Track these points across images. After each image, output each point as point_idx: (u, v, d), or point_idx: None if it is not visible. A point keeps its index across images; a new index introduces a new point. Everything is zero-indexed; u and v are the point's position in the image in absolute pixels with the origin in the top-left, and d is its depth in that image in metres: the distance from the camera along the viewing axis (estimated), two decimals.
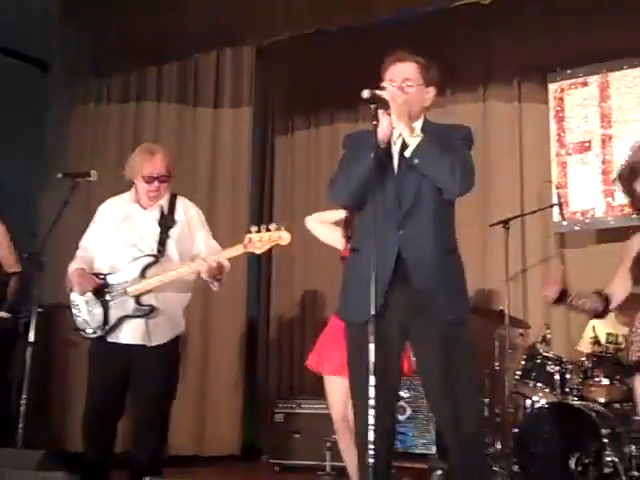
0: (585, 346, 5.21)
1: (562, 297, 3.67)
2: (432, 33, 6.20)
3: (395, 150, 3.11)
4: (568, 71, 6.22)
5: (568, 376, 4.84)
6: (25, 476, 3.33)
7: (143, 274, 3.87)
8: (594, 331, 4.94)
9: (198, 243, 4.06)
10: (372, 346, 2.65)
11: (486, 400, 5.26)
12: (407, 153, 3.01)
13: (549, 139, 6.23)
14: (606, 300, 3.63)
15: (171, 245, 3.97)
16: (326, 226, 4.34)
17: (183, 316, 4.05)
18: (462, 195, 3.08)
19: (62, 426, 5.97)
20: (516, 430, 4.78)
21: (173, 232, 3.99)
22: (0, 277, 5.19)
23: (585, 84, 6.15)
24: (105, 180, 4.50)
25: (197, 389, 6.30)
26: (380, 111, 2.94)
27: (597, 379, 4.72)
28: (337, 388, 3.99)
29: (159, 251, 3.92)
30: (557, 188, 5.86)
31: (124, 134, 6.72)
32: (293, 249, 6.89)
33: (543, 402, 4.87)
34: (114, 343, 3.88)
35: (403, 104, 2.98)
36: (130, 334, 3.86)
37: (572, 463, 4.33)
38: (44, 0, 6.84)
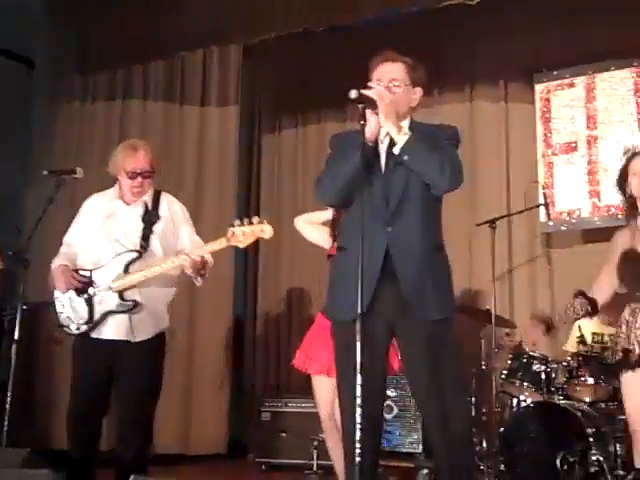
0: (571, 346, 5.22)
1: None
2: (419, 33, 6.21)
3: (382, 149, 3.12)
4: (555, 72, 6.25)
5: (554, 375, 4.86)
6: (10, 474, 3.31)
7: (126, 269, 3.86)
8: (580, 331, 4.95)
9: (182, 238, 4.06)
10: (359, 344, 2.65)
11: (473, 399, 5.28)
12: (396, 150, 3.01)
13: (535, 139, 6.25)
14: (594, 301, 3.66)
15: (155, 241, 3.96)
16: (315, 227, 4.33)
17: (167, 312, 4.04)
18: (451, 191, 3.08)
19: (47, 424, 5.95)
20: (502, 429, 4.79)
21: (157, 228, 3.99)
22: None
23: (572, 85, 6.18)
24: (91, 177, 4.49)
25: (183, 387, 6.29)
26: (368, 111, 2.94)
27: (583, 379, 4.73)
28: (324, 387, 3.99)
29: (142, 247, 3.91)
30: (543, 188, 5.89)
31: (110, 132, 6.69)
32: (280, 246, 6.91)
33: (529, 401, 4.89)
34: (98, 339, 3.87)
35: (390, 104, 2.98)
36: (114, 330, 3.85)
37: (558, 462, 4.35)
38: None
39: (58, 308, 3.97)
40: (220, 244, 3.77)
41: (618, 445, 4.43)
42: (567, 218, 6.06)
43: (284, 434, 5.71)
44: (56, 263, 3.97)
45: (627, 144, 4.32)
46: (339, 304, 3.08)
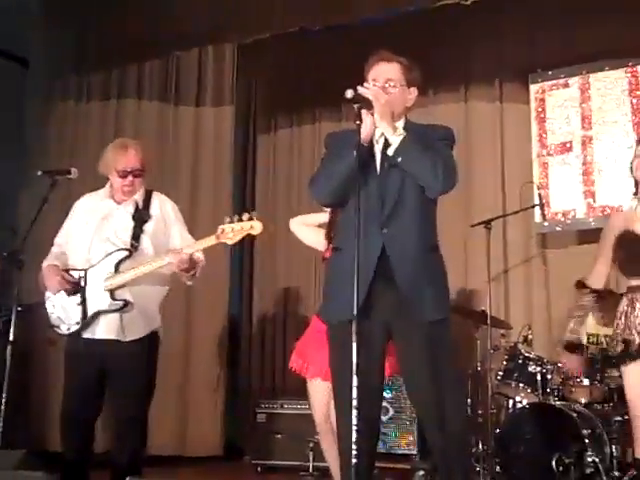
0: None
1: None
2: (414, 33, 6.21)
3: (377, 149, 3.12)
4: (549, 72, 6.25)
5: (549, 376, 4.86)
6: (5, 476, 3.31)
7: (117, 268, 3.86)
8: None
9: (173, 237, 4.06)
10: (355, 346, 2.64)
11: (468, 400, 5.27)
12: (390, 151, 3.02)
13: (530, 140, 6.25)
14: (596, 291, 3.68)
15: (145, 240, 3.96)
16: (310, 229, 4.32)
17: (159, 311, 4.03)
18: (445, 193, 3.08)
19: (42, 425, 5.93)
20: (498, 430, 4.79)
21: (148, 227, 3.99)
22: None
23: (566, 85, 6.18)
24: (86, 178, 4.47)
25: (179, 389, 6.27)
26: (363, 110, 2.94)
27: (578, 380, 4.74)
28: (319, 390, 3.98)
29: (133, 245, 3.91)
30: (538, 189, 5.88)
31: (105, 132, 6.66)
32: (275, 246, 6.91)
33: (525, 402, 4.89)
34: (89, 339, 3.86)
35: (386, 104, 2.98)
36: (104, 329, 3.84)
37: (553, 463, 4.35)
38: None
39: (49, 308, 3.98)
40: (209, 241, 3.77)
41: (614, 446, 4.45)
42: (562, 219, 6.06)
43: (280, 436, 5.70)
44: (46, 263, 3.98)
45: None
46: (334, 305, 3.07)
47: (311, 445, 5.31)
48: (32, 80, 7.02)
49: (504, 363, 5.04)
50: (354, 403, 2.62)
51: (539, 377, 4.85)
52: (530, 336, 5.12)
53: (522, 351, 5.02)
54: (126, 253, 3.88)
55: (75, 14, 6.91)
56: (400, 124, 3.12)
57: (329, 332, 3.16)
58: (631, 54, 5.90)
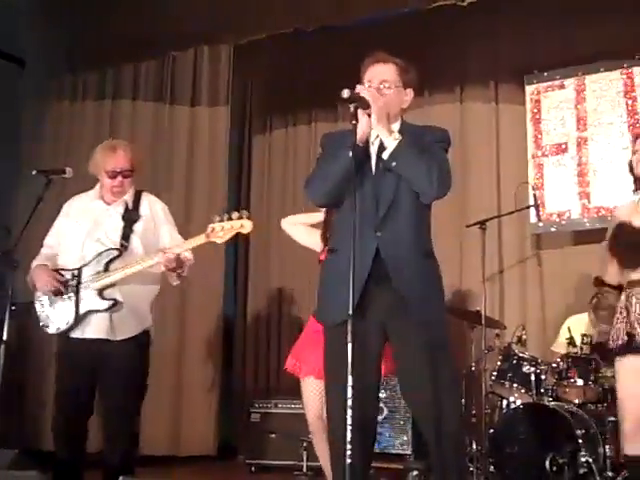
0: (560, 347, 5.23)
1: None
2: (410, 34, 6.21)
3: (373, 150, 3.11)
4: (545, 73, 6.26)
5: (543, 377, 4.87)
6: None
7: (107, 268, 3.85)
8: (569, 332, 4.96)
9: (163, 237, 4.06)
10: (350, 346, 2.64)
11: (462, 401, 5.27)
12: (385, 155, 3.02)
13: (526, 140, 6.26)
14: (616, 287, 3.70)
15: (135, 239, 3.96)
16: (303, 228, 4.32)
17: (150, 310, 4.03)
18: (438, 198, 3.08)
19: (36, 425, 5.92)
20: (492, 431, 4.79)
21: (137, 227, 3.99)
22: None
23: (562, 87, 6.19)
24: (80, 177, 4.46)
25: (173, 388, 6.27)
26: (360, 111, 2.94)
27: (572, 380, 4.74)
28: (313, 389, 3.98)
29: (123, 245, 3.91)
30: (533, 189, 5.90)
31: (100, 132, 6.64)
32: (270, 246, 6.91)
33: (519, 403, 4.89)
34: (79, 339, 3.86)
35: (383, 106, 2.98)
36: (94, 328, 3.84)
37: (547, 463, 4.36)
38: None
39: (38, 308, 3.98)
40: (199, 240, 3.77)
41: (607, 447, 4.45)
42: (557, 219, 6.06)
43: (274, 435, 5.70)
44: (35, 263, 3.99)
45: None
46: (330, 306, 3.07)
47: (305, 445, 5.30)
48: (27, 80, 7.01)
49: (498, 363, 5.04)
50: (349, 403, 2.62)
51: (533, 377, 4.85)
52: (524, 336, 5.13)
53: (516, 351, 5.03)
54: (116, 253, 3.88)
55: (71, 14, 6.89)
56: (396, 126, 3.12)
57: (325, 334, 3.16)
58: (626, 56, 5.92)
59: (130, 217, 3.98)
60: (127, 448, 3.87)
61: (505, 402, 5.08)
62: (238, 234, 3.72)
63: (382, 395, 5.54)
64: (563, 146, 6.12)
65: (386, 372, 3.79)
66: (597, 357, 4.68)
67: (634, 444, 3.49)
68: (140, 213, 4.02)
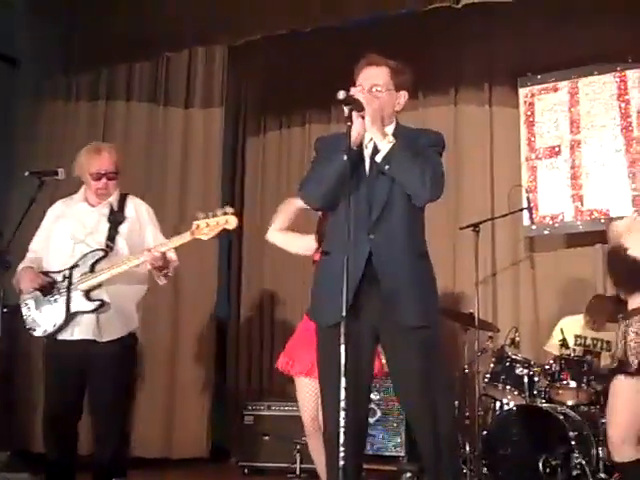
0: (553, 347, 5.24)
1: None
2: (404, 36, 6.20)
3: (367, 153, 3.11)
4: (539, 76, 6.27)
5: (536, 379, 4.88)
6: None
7: (93, 269, 3.85)
8: (562, 334, 4.97)
9: (147, 238, 4.06)
10: (343, 347, 2.64)
11: (456, 403, 5.27)
12: (378, 158, 3.01)
13: (519, 143, 6.27)
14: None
15: (120, 241, 3.96)
16: (289, 235, 4.25)
17: (137, 310, 4.03)
18: (431, 202, 3.08)
19: (27, 426, 5.88)
20: (485, 432, 4.80)
21: (122, 228, 4.00)
22: None
23: (555, 89, 6.20)
24: (73, 179, 4.46)
25: (165, 390, 6.24)
26: (354, 113, 2.94)
27: (565, 382, 4.76)
28: (307, 389, 3.97)
29: (108, 246, 3.91)
30: (527, 192, 5.91)
31: (93, 133, 6.61)
32: (263, 247, 6.87)
33: (512, 405, 4.90)
34: (66, 341, 3.85)
35: (378, 110, 2.98)
36: (81, 330, 3.84)
37: (540, 465, 4.37)
38: None
39: (24, 311, 3.96)
40: (184, 238, 3.78)
41: (600, 448, 4.46)
42: (550, 222, 6.07)
43: (267, 437, 5.69)
44: (21, 266, 3.99)
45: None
46: (323, 308, 3.07)
47: (298, 447, 5.29)
48: (21, 80, 6.99)
49: (491, 365, 5.06)
50: (342, 404, 2.62)
51: (526, 379, 4.87)
52: (517, 338, 5.15)
53: (509, 353, 5.05)
54: (102, 254, 3.88)
55: (65, 14, 6.88)
56: (390, 128, 3.12)
57: (318, 334, 3.16)
58: (620, 59, 5.93)
59: (115, 219, 3.99)
60: (117, 448, 3.87)
61: (498, 404, 5.09)
62: (224, 230, 3.71)
63: (375, 397, 5.54)
64: (556, 149, 6.13)
65: (380, 373, 3.80)
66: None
67: (621, 453, 3.49)
68: (125, 215, 4.03)
